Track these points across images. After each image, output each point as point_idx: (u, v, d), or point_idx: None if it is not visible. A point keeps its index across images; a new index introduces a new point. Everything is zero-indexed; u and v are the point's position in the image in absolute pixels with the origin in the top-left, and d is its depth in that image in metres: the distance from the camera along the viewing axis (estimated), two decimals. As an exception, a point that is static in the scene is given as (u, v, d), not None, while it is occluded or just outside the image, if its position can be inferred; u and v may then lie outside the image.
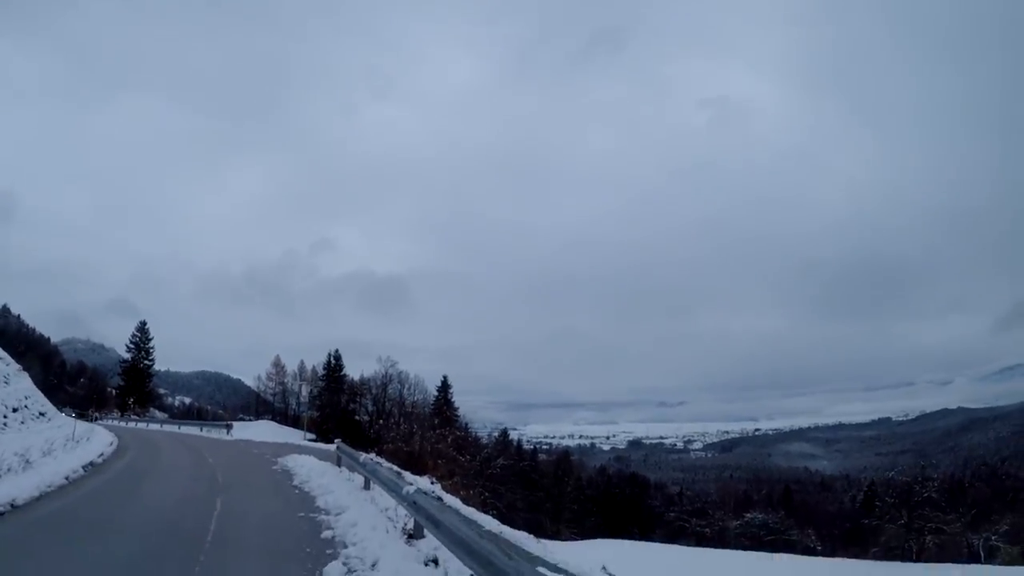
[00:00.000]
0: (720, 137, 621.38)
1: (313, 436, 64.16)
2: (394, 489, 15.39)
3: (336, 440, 29.74)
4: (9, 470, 16.50)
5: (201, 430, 59.02)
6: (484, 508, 51.26)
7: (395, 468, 32.22)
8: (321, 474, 22.63)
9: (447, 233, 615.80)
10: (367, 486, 20.00)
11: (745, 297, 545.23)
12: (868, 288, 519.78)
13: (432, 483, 33.04)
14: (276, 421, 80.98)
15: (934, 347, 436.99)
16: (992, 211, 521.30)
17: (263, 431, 61.45)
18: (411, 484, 13.94)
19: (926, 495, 61.73)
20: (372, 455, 35.67)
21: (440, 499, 22.63)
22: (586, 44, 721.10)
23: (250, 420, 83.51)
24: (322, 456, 29.56)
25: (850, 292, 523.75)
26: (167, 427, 64.76)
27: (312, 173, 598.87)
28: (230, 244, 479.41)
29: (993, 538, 62.35)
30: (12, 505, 13.35)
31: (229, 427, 57.91)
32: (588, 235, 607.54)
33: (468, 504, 31.07)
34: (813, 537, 76.11)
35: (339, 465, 25.51)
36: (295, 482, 21.36)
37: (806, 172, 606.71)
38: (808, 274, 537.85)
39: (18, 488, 14.53)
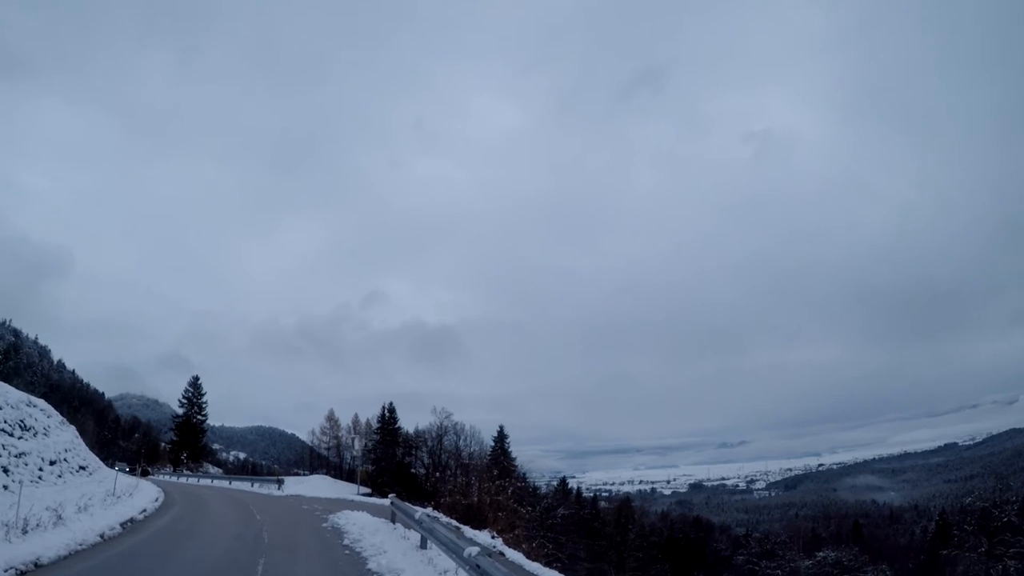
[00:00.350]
0: (765, 170, 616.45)
1: (368, 491, 63.57)
2: (454, 550, 14.63)
3: (390, 495, 28.93)
4: (38, 526, 15.96)
5: (252, 485, 58.57)
6: (547, 561, 50.15)
7: (453, 523, 31.40)
8: (374, 532, 21.96)
9: (496, 282, 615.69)
10: (424, 545, 19.27)
11: (798, 330, 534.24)
12: (923, 310, 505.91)
13: (493, 537, 32.24)
14: (331, 476, 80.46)
15: (996, 365, 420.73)
16: None
17: (317, 486, 61.01)
18: (472, 543, 13.19)
19: (1005, 520, 59.21)
20: (429, 510, 34.75)
21: (502, 554, 21.80)
22: (626, 87, 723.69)
23: (304, 475, 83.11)
24: (376, 512, 28.81)
25: (905, 315, 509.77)
26: (218, 482, 64.63)
27: (361, 227, 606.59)
28: (282, 298, 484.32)
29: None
30: (36, 564, 12.78)
31: (280, 482, 57.33)
32: (636, 278, 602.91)
33: (531, 558, 30.13)
34: (888, 572, 73.66)
35: (394, 522, 24.82)
36: (346, 541, 20.71)
37: (852, 197, 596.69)
38: (861, 301, 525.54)
39: (44, 546, 13.97)
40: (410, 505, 25.11)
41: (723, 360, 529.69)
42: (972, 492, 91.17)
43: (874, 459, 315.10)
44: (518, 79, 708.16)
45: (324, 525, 25.14)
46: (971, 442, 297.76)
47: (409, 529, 21.67)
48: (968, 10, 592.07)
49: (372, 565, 16.41)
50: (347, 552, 18.59)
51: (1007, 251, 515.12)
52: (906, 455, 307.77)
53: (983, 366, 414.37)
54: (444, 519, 34.59)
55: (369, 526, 23.47)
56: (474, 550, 12.54)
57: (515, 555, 28.27)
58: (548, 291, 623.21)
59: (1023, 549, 57.52)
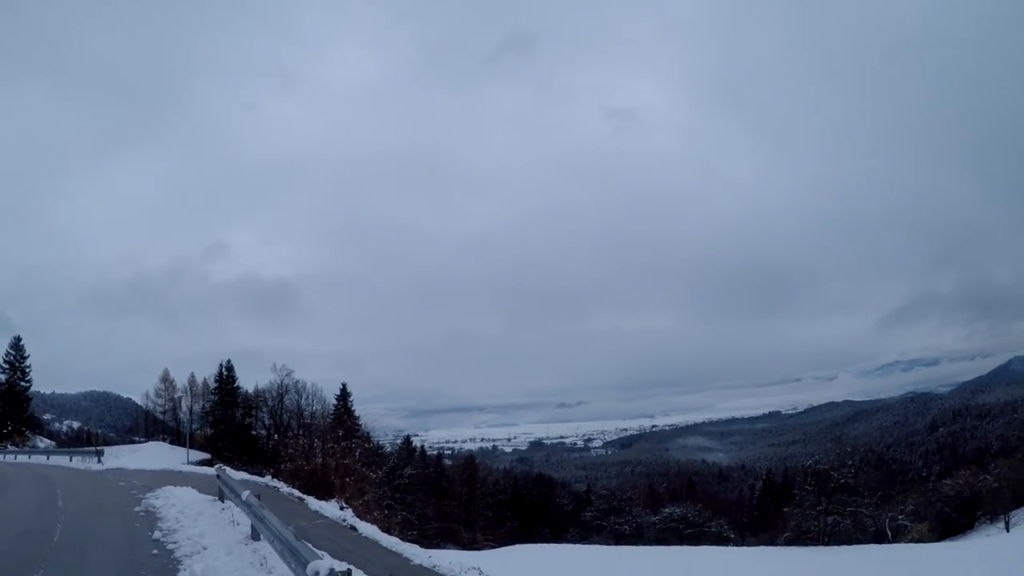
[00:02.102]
0: (622, 145, 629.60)
1: (207, 457, 58.61)
2: (294, 554, 10.95)
3: (217, 465, 24.54)
4: None
5: (70, 460, 51.80)
6: (402, 529, 47.19)
7: (296, 494, 27.10)
8: (196, 517, 17.67)
9: (342, 236, 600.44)
10: (256, 535, 15.24)
11: (639, 298, 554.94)
12: (758, 289, 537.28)
13: (342, 508, 28.14)
14: (168, 442, 74.31)
15: (820, 345, 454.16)
16: (877, 221, 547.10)
17: (150, 455, 55.52)
18: (321, 558, 9.57)
19: (842, 481, 61.40)
20: (268, 479, 30.25)
21: (354, 528, 17.93)
22: (495, 50, 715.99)
23: (140, 442, 76.29)
24: (205, 486, 23.88)
25: (740, 293, 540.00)
26: (36, 458, 57.01)
27: (206, 173, 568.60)
28: (117, 250, 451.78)
29: (900, 517, 63.99)
30: None
31: (99, 454, 50.78)
32: (487, 239, 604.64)
33: (384, 527, 26.39)
34: (725, 526, 75.70)
35: (222, 500, 20.69)
36: (157, 534, 15.95)
37: (702, 180, 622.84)
38: (701, 276, 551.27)
39: None
40: (237, 477, 21.01)
41: (565, 323, 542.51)
42: (812, 455, 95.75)
43: (704, 422, 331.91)
44: (385, 31, 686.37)
45: (137, 509, 20.20)
46: (793, 411, 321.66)
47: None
48: (827, 24, 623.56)
49: (184, 575, 12.45)
50: (155, 552, 14.21)
51: (836, 244, 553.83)
52: (734, 420, 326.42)
53: (808, 345, 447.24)
54: (285, 489, 30.27)
55: (192, 508, 19.08)
56: (323, 567, 9.06)
57: (368, 528, 24.07)
58: (395, 248, 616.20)
59: (856, 508, 60.13)
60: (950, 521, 63.18)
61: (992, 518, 54.31)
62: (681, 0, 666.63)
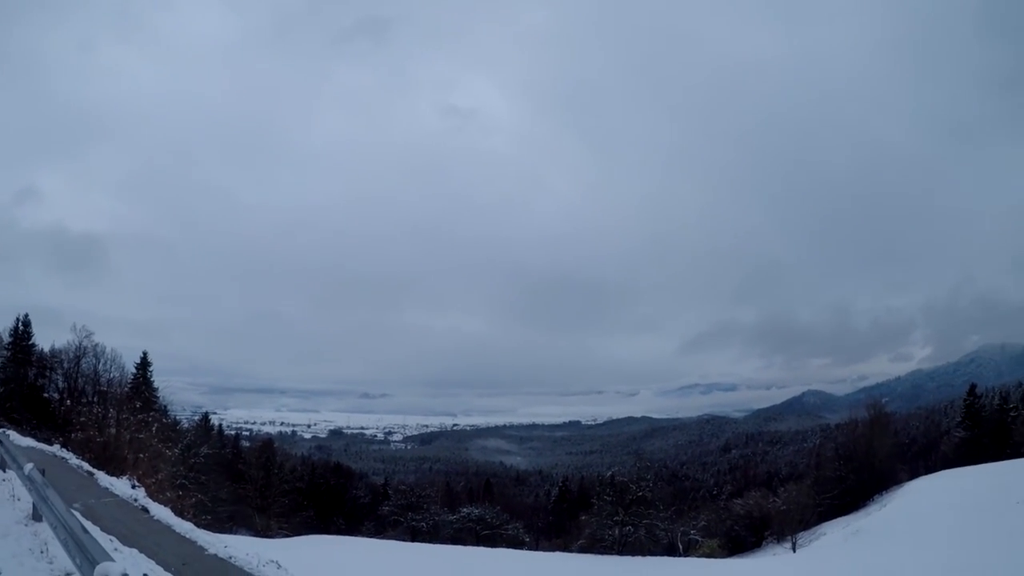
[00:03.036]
0: (458, 145, 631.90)
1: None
2: (80, 548, 8.67)
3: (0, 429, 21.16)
4: None
5: None
6: (196, 512, 43.59)
7: (86, 467, 23.76)
8: (-35, 485, 14.76)
9: (160, 197, 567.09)
10: (37, 516, 12.61)
11: (453, 298, 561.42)
12: (570, 302, 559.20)
13: (134, 487, 25.00)
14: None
15: (625, 361, 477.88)
16: (690, 250, 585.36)
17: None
18: (112, 559, 7.42)
19: (640, 494, 62.97)
20: (56, 448, 26.74)
21: (146, 509, 15.97)
22: (351, 29, 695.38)
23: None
24: None
25: (553, 304, 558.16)
26: None
27: (25, 108, 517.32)
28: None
29: (692, 532, 66.09)
30: None
31: None
32: (307, 219, 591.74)
33: (178, 510, 23.67)
34: (521, 529, 76.16)
35: (3, 469, 17.63)
36: None
37: (532, 190, 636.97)
38: (516, 282, 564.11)
39: None
40: (23, 443, 17.94)
41: (376, 314, 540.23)
42: (610, 466, 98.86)
43: (505, 425, 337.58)
44: None
45: None
46: (593, 423, 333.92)
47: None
48: (669, 60, 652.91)
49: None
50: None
51: (650, 267, 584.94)
52: (535, 425, 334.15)
53: (612, 360, 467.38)
54: (75, 461, 27.42)
55: (-41, 472, 16.07)
56: (114, 572, 6.99)
57: (161, 511, 21.99)
58: (212, 216, 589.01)
59: (652, 521, 61.76)
60: (739, 538, 66.16)
61: (779, 538, 57.15)
62: (535, 10, 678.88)
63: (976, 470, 49.24)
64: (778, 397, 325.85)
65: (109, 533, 15.02)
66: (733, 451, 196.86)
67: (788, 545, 52.51)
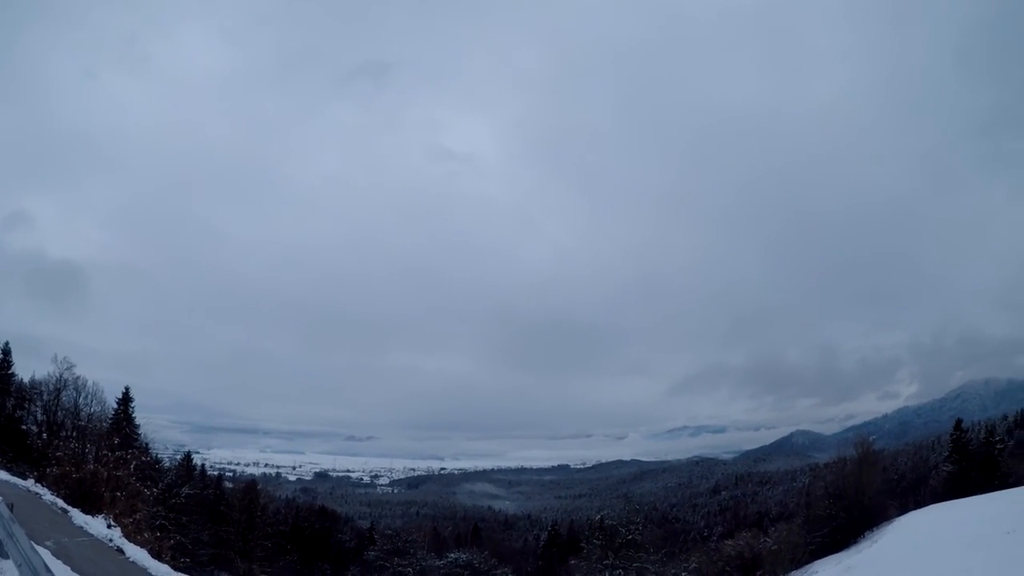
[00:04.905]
0: (449, 187, 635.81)
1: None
2: None
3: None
4: None
5: None
6: (174, 554, 42.75)
7: (60, 504, 23.35)
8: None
9: (147, 226, 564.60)
10: (3, 553, 12.18)
11: (440, 340, 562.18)
12: (558, 345, 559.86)
13: (110, 526, 24.55)
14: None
15: (613, 404, 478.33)
16: (678, 292, 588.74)
17: None
18: None
19: (630, 537, 62.52)
20: (31, 483, 26.33)
21: (121, 550, 15.79)
22: (353, 72, 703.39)
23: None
24: None
25: (541, 347, 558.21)
26: None
27: (27, 133, 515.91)
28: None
29: (683, 575, 65.44)
30: None
31: None
32: (296, 258, 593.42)
33: (156, 552, 23.14)
34: (510, 575, 75.08)
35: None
36: None
37: (521, 232, 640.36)
38: (505, 326, 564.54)
39: None
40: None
41: (362, 355, 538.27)
42: (599, 510, 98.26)
43: (493, 469, 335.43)
44: (250, 28, 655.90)
45: None
46: (582, 466, 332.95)
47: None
48: (658, 102, 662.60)
49: None
50: None
51: (638, 309, 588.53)
52: (523, 469, 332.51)
53: (601, 403, 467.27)
54: (49, 497, 27.19)
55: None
56: None
57: (137, 552, 21.79)
58: (200, 250, 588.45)
59: (643, 564, 61.03)
60: (731, 580, 65.36)
61: (770, 579, 56.79)
62: (526, 50, 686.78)
63: (965, 503, 49.04)
64: (767, 438, 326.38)
65: (81, 574, 14.60)
66: (723, 492, 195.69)
67: (779, 585, 52.07)
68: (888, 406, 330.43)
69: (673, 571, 65.56)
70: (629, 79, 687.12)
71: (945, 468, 71.67)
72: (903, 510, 61.25)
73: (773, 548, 59.43)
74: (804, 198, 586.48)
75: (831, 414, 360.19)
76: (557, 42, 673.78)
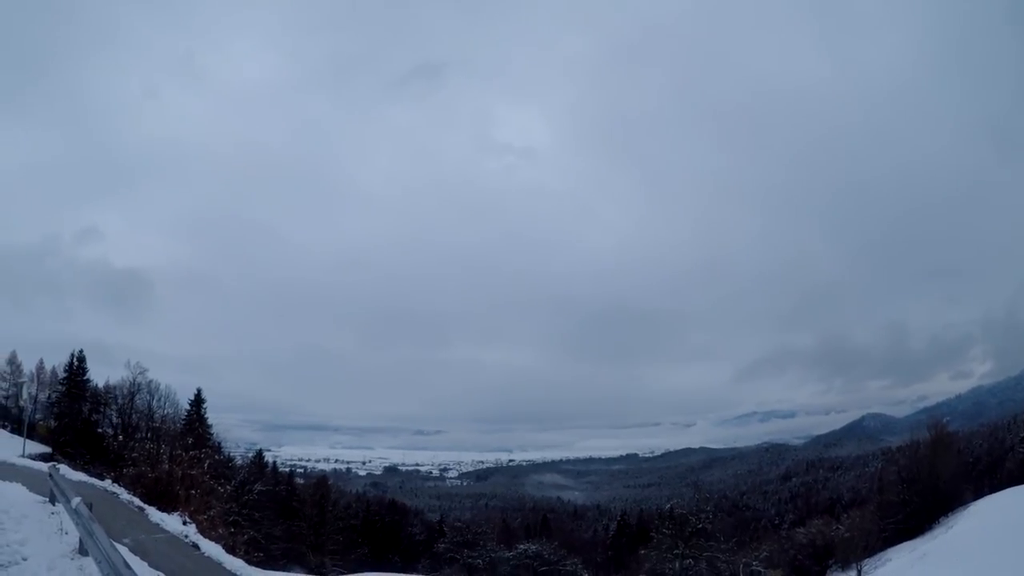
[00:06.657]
0: (506, 180, 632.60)
1: (48, 451, 53.64)
2: None
3: (51, 463, 21.63)
4: None
5: None
6: (247, 549, 44.11)
7: (136, 502, 24.33)
8: (20, 520, 14.95)
9: (210, 234, 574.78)
10: (83, 550, 12.87)
11: (503, 332, 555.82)
12: (622, 333, 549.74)
13: (185, 523, 25.59)
14: (8, 429, 68.14)
15: (680, 392, 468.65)
16: (742, 274, 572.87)
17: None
18: None
19: (700, 526, 62.33)
20: (108, 483, 27.27)
21: (196, 546, 16.39)
22: (407, 74, 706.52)
23: (-19, 428, 69.58)
24: (39, 484, 20.97)
25: (605, 335, 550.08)
26: None
27: (94, 153, 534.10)
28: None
29: (754, 563, 64.56)
30: None
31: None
32: (357, 258, 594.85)
33: (229, 547, 23.98)
34: (579, 565, 75.16)
35: (53, 502, 17.99)
36: None
37: (580, 222, 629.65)
38: (567, 314, 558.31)
39: None
40: (74, 478, 18.29)
41: (426, 350, 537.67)
42: (668, 499, 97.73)
43: (561, 460, 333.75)
44: (303, 36, 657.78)
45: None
46: (651, 455, 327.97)
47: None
48: (712, 82, 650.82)
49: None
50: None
51: (702, 294, 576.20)
52: (591, 459, 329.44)
53: (667, 391, 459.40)
54: (126, 496, 27.75)
55: (17, 508, 16.26)
56: None
57: (212, 548, 22.56)
58: (262, 254, 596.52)
59: (712, 553, 60.87)
60: (803, 568, 64.70)
61: (844, 566, 55.66)
62: (573, 39, 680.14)
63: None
64: (838, 422, 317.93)
65: (158, 569, 15.33)
66: (794, 479, 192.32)
67: (853, 573, 51.10)
68: (961, 386, 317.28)
69: (744, 560, 64.93)
70: (678, 58, 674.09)
71: (1022, 449, 69.75)
72: (979, 494, 59.82)
73: (845, 535, 58.46)
74: (863, 170, 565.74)
75: (902, 396, 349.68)
76: (603, 27, 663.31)
